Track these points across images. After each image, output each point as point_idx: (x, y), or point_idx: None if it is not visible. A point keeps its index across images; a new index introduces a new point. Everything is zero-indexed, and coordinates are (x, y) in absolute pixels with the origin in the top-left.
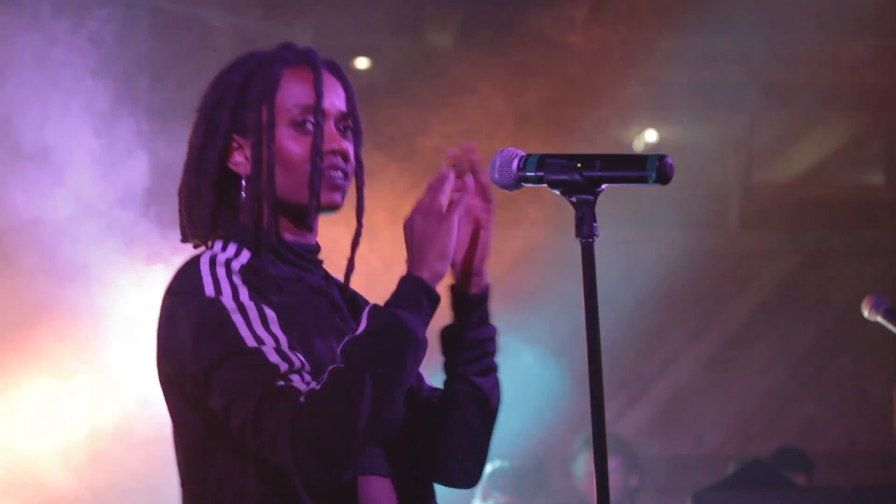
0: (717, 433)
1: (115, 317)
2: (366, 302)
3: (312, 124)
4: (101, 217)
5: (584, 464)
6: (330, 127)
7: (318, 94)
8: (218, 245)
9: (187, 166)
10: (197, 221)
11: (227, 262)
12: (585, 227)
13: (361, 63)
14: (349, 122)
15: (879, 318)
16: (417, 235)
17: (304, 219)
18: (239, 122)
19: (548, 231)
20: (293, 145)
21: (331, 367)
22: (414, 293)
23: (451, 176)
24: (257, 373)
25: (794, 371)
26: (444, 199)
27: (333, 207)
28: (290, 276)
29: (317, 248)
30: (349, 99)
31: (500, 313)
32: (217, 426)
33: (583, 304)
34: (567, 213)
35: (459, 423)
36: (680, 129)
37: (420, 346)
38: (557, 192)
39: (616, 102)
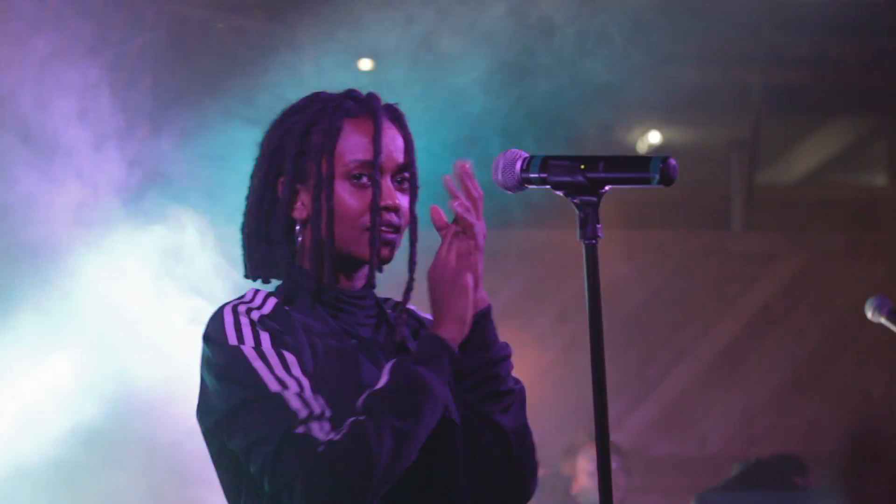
0: (721, 435)
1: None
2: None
3: (369, 179)
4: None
5: (578, 461)
6: (387, 182)
7: (377, 151)
8: (249, 294)
9: (250, 207)
10: (258, 262)
11: (249, 311)
12: (589, 229)
13: (365, 65)
14: (406, 175)
15: (883, 320)
16: (435, 296)
17: (354, 268)
18: (300, 170)
19: (549, 231)
20: (350, 199)
21: (351, 420)
22: (435, 352)
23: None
24: (277, 417)
25: (798, 373)
26: (457, 251)
27: (383, 262)
28: (325, 321)
29: (363, 294)
30: (407, 150)
31: (502, 316)
32: (239, 468)
33: (586, 305)
34: (571, 213)
35: (478, 450)
36: (684, 131)
37: (438, 404)
38: (560, 194)
39: (620, 104)
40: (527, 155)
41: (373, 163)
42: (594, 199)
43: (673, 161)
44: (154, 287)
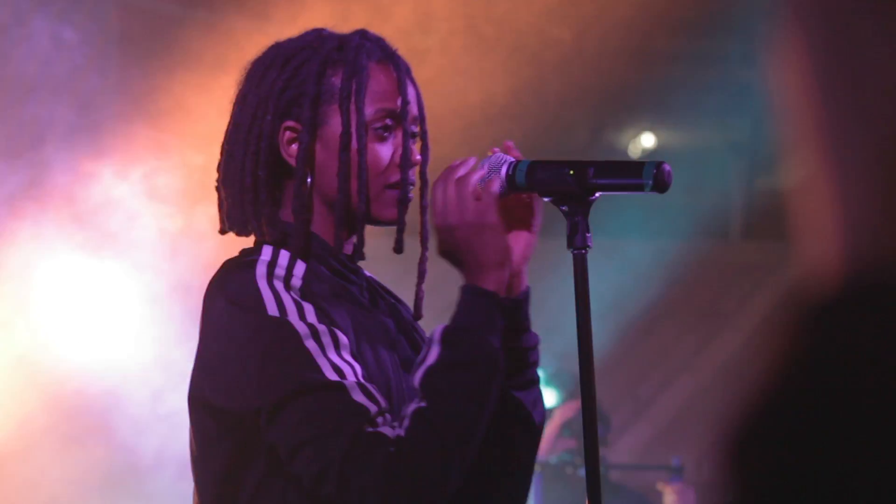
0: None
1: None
2: (407, 310)
3: (393, 131)
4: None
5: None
6: (405, 135)
7: (405, 100)
8: (267, 252)
9: (235, 154)
10: (246, 215)
11: (287, 278)
12: (578, 238)
13: None
14: (416, 130)
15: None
16: (460, 245)
17: (354, 231)
18: (316, 115)
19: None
20: (377, 152)
21: (412, 409)
22: (486, 309)
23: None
24: (343, 415)
25: None
26: (474, 182)
27: (393, 223)
28: (338, 290)
29: (356, 262)
30: (420, 103)
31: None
32: (254, 456)
33: (575, 318)
34: (560, 221)
35: (500, 441)
36: (679, 134)
37: (502, 375)
38: (548, 201)
39: (611, 104)
40: (512, 159)
41: (401, 112)
42: (584, 206)
43: (667, 166)
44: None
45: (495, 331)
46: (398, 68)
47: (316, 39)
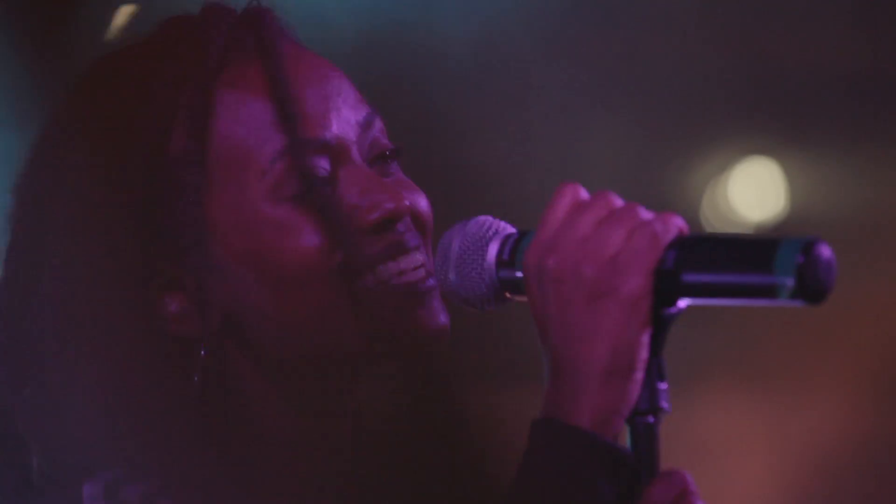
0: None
1: None
2: None
3: (320, 175)
4: None
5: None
6: (358, 170)
7: (294, 119)
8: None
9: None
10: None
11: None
12: (641, 392)
13: None
14: (381, 139)
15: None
16: (568, 322)
17: (338, 385)
18: (157, 228)
19: None
20: (300, 235)
21: None
22: (575, 468)
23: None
24: None
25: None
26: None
27: (425, 342)
28: None
29: None
30: (356, 91)
31: None
32: None
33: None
34: None
35: None
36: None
37: None
38: None
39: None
40: (512, 230)
41: (325, 141)
42: (656, 330)
43: (825, 250)
44: None
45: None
46: (276, 55)
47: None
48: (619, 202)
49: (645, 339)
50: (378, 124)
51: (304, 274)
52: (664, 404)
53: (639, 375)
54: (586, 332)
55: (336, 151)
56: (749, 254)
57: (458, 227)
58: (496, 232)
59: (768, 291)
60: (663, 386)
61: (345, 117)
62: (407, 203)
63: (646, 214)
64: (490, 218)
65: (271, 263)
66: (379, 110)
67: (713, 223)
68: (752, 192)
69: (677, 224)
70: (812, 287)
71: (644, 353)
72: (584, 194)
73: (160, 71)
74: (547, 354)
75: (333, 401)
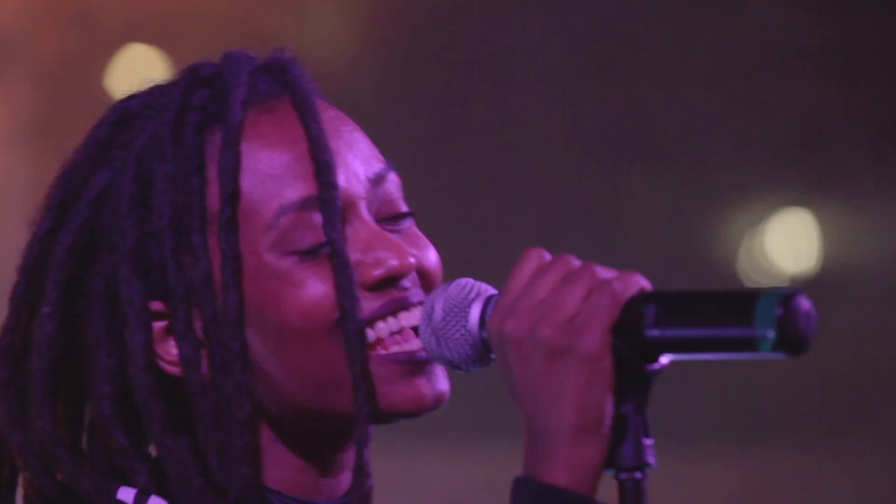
0: None
1: None
2: None
3: (331, 234)
4: None
5: None
6: (364, 225)
7: (322, 167)
8: (126, 494)
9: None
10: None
11: None
12: (627, 449)
13: None
14: (394, 197)
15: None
16: (533, 383)
17: (333, 443)
18: (155, 273)
19: None
20: (302, 289)
21: None
22: None
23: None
24: None
25: None
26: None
27: (422, 410)
28: None
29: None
30: (371, 145)
31: None
32: None
33: None
34: None
35: None
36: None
37: None
38: None
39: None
40: (493, 291)
41: (329, 198)
42: (638, 386)
43: (803, 302)
44: None
45: None
46: (306, 105)
47: (124, 116)
48: (576, 263)
49: (610, 395)
50: (393, 179)
51: (304, 327)
52: (651, 460)
53: (608, 431)
54: (550, 392)
55: (343, 206)
56: (729, 307)
57: (439, 291)
58: (478, 293)
59: (749, 344)
60: (649, 441)
61: (354, 172)
62: (412, 260)
63: (605, 273)
64: (471, 280)
65: (271, 315)
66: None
67: (750, 275)
68: (788, 243)
69: (638, 282)
70: (793, 338)
71: (611, 409)
72: (548, 258)
73: (184, 120)
74: (520, 417)
75: (324, 459)
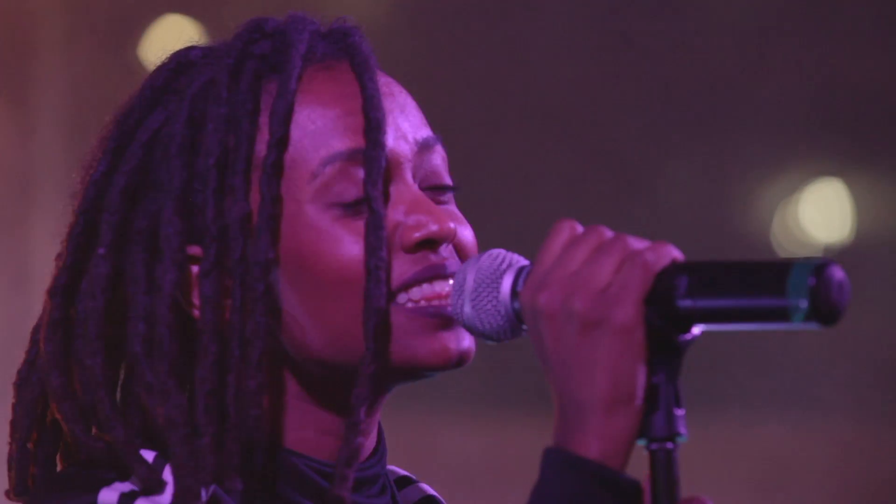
0: None
1: None
2: None
3: (371, 191)
4: None
5: None
6: (408, 188)
7: (377, 126)
8: (142, 469)
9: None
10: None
11: None
12: (658, 419)
13: None
14: (440, 170)
15: None
16: (566, 355)
17: (353, 402)
18: (197, 216)
19: None
20: (339, 244)
21: None
22: (578, 497)
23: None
24: None
25: None
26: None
27: (447, 365)
28: None
29: (375, 463)
30: (421, 114)
31: None
32: None
33: None
34: None
35: None
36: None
37: None
38: None
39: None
40: (525, 262)
41: (374, 155)
42: (670, 356)
43: (837, 271)
44: None
45: None
46: (365, 68)
47: (183, 64)
48: (609, 234)
49: (643, 367)
50: (440, 151)
51: (338, 283)
52: (682, 430)
53: (641, 404)
54: (583, 364)
55: (388, 166)
56: (761, 277)
57: (471, 262)
58: (510, 264)
59: (782, 314)
60: (681, 412)
61: (402, 133)
62: (452, 226)
63: (637, 244)
64: (503, 251)
65: (306, 267)
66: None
67: (783, 245)
68: (822, 213)
69: (670, 253)
70: (825, 308)
71: (643, 381)
72: (580, 230)
73: (242, 67)
74: (552, 389)
75: (340, 417)
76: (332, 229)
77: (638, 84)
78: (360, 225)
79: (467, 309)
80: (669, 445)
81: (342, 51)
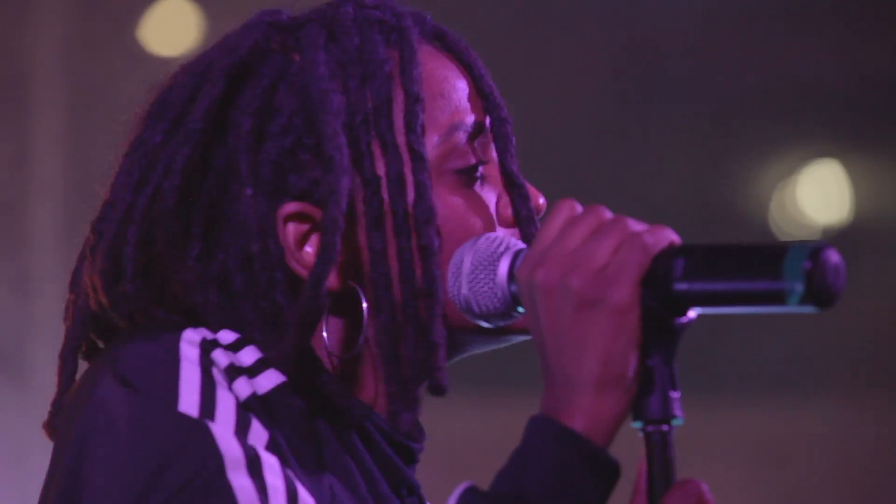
0: None
1: None
2: None
3: (480, 165)
4: None
5: None
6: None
7: (493, 101)
8: (227, 336)
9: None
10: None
11: (234, 370)
12: (654, 401)
13: None
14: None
15: None
16: (580, 326)
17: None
18: (310, 173)
19: None
20: (466, 212)
21: None
22: (558, 467)
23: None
24: None
25: None
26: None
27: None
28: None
29: (421, 435)
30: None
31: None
32: None
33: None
34: None
35: None
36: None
37: None
38: None
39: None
40: (522, 245)
41: (494, 128)
42: (667, 339)
43: (833, 254)
44: None
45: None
46: (465, 51)
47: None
48: (608, 215)
49: (636, 348)
50: (513, 140)
51: (448, 246)
52: (678, 413)
53: (632, 385)
54: (576, 342)
55: (506, 136)
56: (757, 261)
57: (468, 245)
58: (507, 247)
59: (777, 298)
60: (676, 395)
61: (508, 119)
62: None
63: (636, 226)
64: (499, 234)
65: (445, 224)
66: None
67: (781, 227)
68: (820, 195)
69: (668, 236)
70: (821, 292)
71: (635, 362)
72: (579, 210)
73: (353, 22)
74: (543, 365)
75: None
76: (449, 194)
77: (633, 64)
78: (471, 193)
79: (464, 290)
80: (665, 428)
81: (430, 31)
